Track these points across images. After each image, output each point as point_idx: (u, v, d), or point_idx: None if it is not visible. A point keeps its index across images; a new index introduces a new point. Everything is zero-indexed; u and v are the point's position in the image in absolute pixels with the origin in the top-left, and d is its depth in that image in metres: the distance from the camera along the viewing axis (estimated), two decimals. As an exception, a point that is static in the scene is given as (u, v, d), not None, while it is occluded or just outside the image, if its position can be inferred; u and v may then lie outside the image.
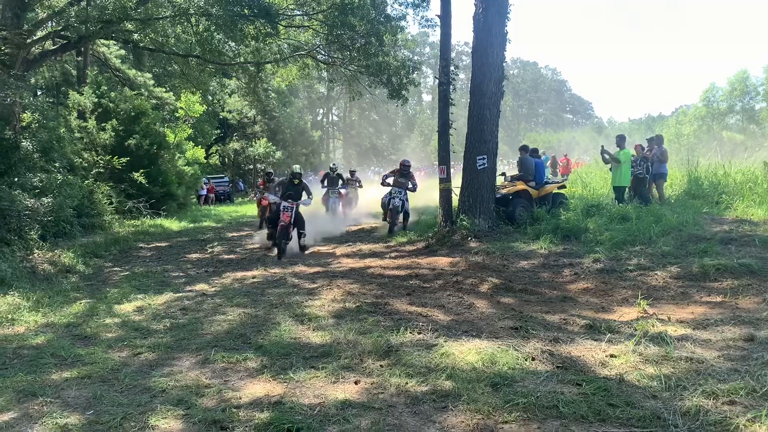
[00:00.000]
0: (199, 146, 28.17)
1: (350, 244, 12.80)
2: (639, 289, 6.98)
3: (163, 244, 14.62)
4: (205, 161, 31.46)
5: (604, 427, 3.44)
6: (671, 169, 15.85)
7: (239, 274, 9.58)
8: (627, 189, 13.77)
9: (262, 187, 17.23)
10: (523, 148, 14.33)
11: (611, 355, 4.64)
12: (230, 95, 40.97)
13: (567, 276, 8.33)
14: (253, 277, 9.26)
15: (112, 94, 21.12)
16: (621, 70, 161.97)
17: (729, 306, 6.32)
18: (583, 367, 4.46)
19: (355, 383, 4.33)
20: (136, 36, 19.13)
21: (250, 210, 25.76)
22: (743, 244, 9.01)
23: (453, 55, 16.31)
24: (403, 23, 21.50)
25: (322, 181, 18.13)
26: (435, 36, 59.71)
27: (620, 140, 14.03)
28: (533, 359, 4.61)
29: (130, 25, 17.98)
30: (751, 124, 57.13)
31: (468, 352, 4.81)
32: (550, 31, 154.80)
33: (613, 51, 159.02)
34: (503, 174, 14.74)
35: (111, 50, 26.20)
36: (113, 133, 19.91)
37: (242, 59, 20.96)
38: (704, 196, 13.47)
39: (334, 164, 19.16)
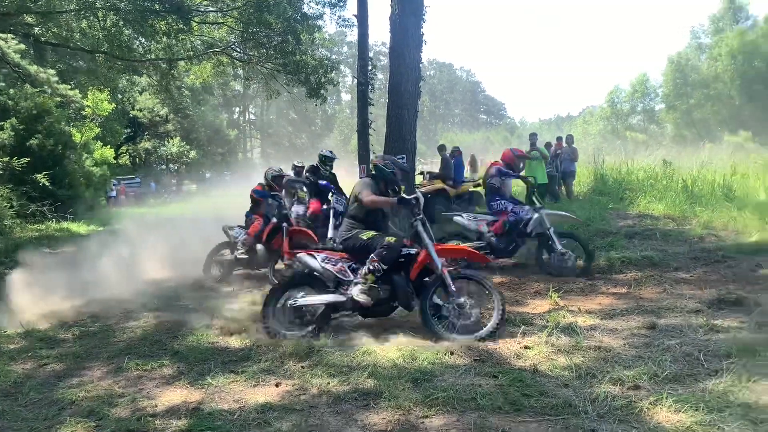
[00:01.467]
0: (108, 146, 27.04)
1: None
2: (550, 282, 7.26)
3: (70, 249, 13.90)
4: (115, 162, 30.21)
5: (520, 416, 3.57)
6: (579, 168, 16.60)
7: (153, 278, 9.26)
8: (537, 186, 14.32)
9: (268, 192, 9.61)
10: (441, 148, 14.63)
11: (525, 347, 4.81)
12: (141, 93, 39.44)
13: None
14: (169, 281, 8.98)
15: (11, 91, 19.87)
16: (532, 72, 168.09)
17: (633, 296, 6.69)
18: (500, 360, 4.60)
19: (276, 386, 4.28)
20: (37, 30, 18.09)
21: (165, 210, 24.82)
22: (645, 238, 9.57)
23: (371, 55, 16.39)
24: (320, 22, 21.35)
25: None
26: (353, 35, 59.82)
27: (533, 138, 14.61)
28: (452, 354, 4.72)
29: (30, 18, 16.98)
30: (651, 124, 60.64)
31: (389, 349, 4.86)
32: (463, 33, 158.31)
33: (524, 53, 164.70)
34: (422, 173, 14.99)
35: (9, 44, 24.62)
36: (13, 133, 18.72)
37: (153, 56, 20.23)
38: (610, 193, 14.20)
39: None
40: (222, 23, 19.88)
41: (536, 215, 8.23)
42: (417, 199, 5.71)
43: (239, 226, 9.36)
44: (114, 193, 30.71)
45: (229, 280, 9.00)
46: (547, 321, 5.55)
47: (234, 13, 18.97)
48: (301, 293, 5.65)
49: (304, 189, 10.56)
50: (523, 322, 5.65)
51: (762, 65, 45.35)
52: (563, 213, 8.98)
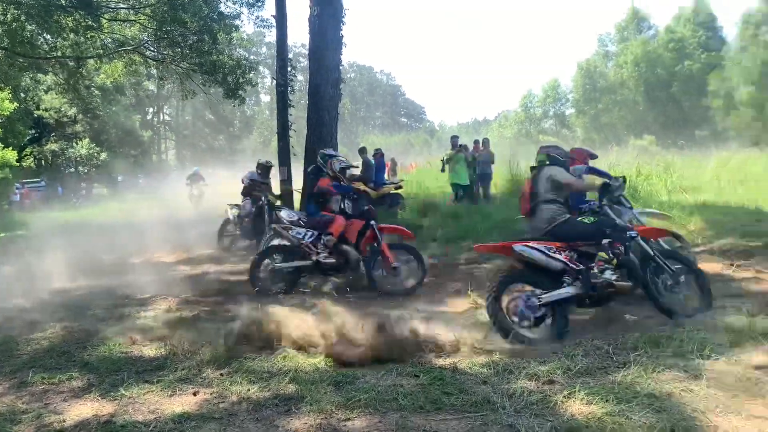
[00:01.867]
0: (10, 148, 25.44)
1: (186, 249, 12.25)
2: (469, 282, 7.41)
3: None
4: (18, 164, 28.47)
5: (441, 414, 3.62)
6: (495, 170, 17.06)
7: (61, 287, 8.79)
8: (461, 187, 14.62)
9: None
10: (362, 150, 14.69)
11: (446, 346, 4.88)
12: (47, 92, 37.40)
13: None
14: (78, 289, 8.55)
15: None
16: (450, 76, 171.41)
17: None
18: (421, 359, 4.65)
19: (194, 395, 4.15)
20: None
21: (73, 215, 23.58)
22: (558, 237, 9.95)
23: (291, 56, 16.22)
24: (237, 22, 20.91)
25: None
26: (272, 36, 59.02)
27: (455, 141, 14.94)
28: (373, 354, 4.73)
29: None
30: (563, 128, 63.22)
31: (311, 354, 4.82)
32: (383, 36, 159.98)
33: (443, 56, 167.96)
34: (342, 175, 14.97)
35: None
36: None
37: (60, 53, 19.21)
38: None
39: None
40: (134, 21, 19.15)
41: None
42: None
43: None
44: (17, 197, 28.95)
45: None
46: (467, 320, 5.67)
47: (147, 11, 18.34)
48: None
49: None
50: (443, 321, 5.73)
51: (663, 73, 48.24)
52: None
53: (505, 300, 5.22)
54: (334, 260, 7.59)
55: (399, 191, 14.59)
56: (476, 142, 16.33)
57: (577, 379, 3.99)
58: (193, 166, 29.36)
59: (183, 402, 4.03)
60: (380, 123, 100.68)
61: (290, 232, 7.79)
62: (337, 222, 7.71)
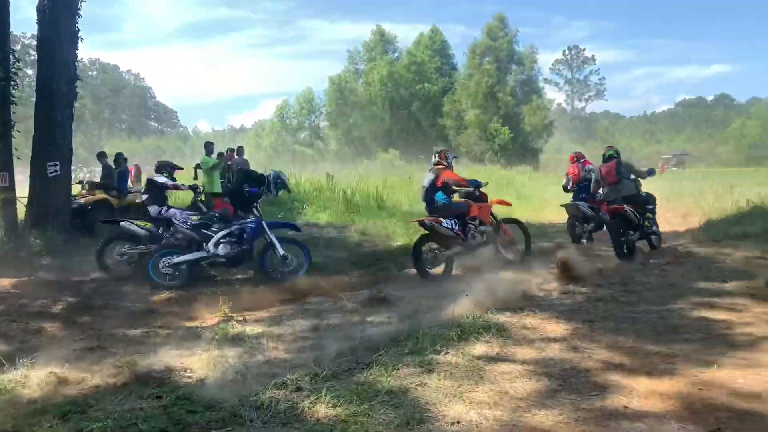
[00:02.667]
0: None
1: None
2: (221, 295, 7.22)
3: None
4: None
5: (185, 435, 3.43)
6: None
7: None
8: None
9: None
10: (101, 155, 13.51)
11: (193, 362, 4.67)
12: None
13: (151, 287, 8.13)
14: None
15: None
16: (204, 80, 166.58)
17: (299, 302, 7.05)
18: (166, 378, 4.38)
19: None
20: None
21: None
22: (313, 245, 10.19)
23: (18, 47, 14.31)
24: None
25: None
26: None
27: (208, 147, 14.46)
28: (115, 377, 4.33)
29: None
30: (317, 139, 65.29)
31: (35, 378, 4.24)
32: (131, 33, 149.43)
33: (200, 59, 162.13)
34: (81, 182, 13.63)
35: None
36: None
37: None
38: (280, 203, 14.78)
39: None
40: None
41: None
42: None
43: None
44: None
45: None
46: (216, 333, 5.50)
47: None
48: None
49: None
50: (193, 336, 5.50)
51: (406, 93, 52.47)
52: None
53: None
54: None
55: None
56: (230, 150, 16.03)
57: (324, 383, 4.08)
58: None
59: None
60: (127, 127, 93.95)
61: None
62: (475, 207, 8.78)
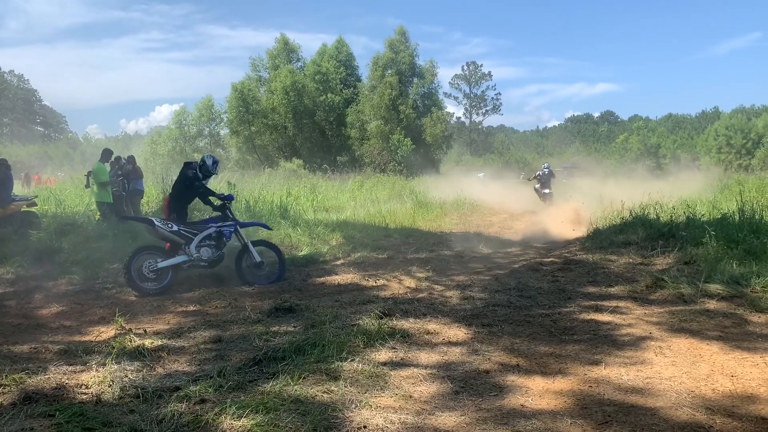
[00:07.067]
0: None
1: None
2: (117, 307, 6.92)
3: None
4: None
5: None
6: (148, 187, 16.35)
7: None
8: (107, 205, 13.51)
9: None
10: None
11: (88, 377, 4.45)
12: None
13: (39, 301, 7.66)
14: None
15: None
16: (96, 84, 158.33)
17: (201, 313, 6.88)
18: (64, 396, 4.14)
19: None
20: None
21: None
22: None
23: None
24: None
25: None
26: None
27: (105, 154, 13.80)
28: (1, 396, 4.06)
29: None
30: (218, 147, 63.58)
31: None
32: (13, 33, 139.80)
33: (86, 64, 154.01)
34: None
35: None
36: None
37: None
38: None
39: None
40: None
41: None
42: None
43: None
44: None
45: None
46: (112, 347, 5.26)
47: None
48: None
49: None
50: (86, 351, 5.22)
51: (309, 102, 52.25)
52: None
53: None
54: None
55: (32, 209, 12.88)
56: (118, 158, 14.96)
57: (229, 394, 4.02)
58: None
59: None
60: (9, 131, 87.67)
61: None
62: None
